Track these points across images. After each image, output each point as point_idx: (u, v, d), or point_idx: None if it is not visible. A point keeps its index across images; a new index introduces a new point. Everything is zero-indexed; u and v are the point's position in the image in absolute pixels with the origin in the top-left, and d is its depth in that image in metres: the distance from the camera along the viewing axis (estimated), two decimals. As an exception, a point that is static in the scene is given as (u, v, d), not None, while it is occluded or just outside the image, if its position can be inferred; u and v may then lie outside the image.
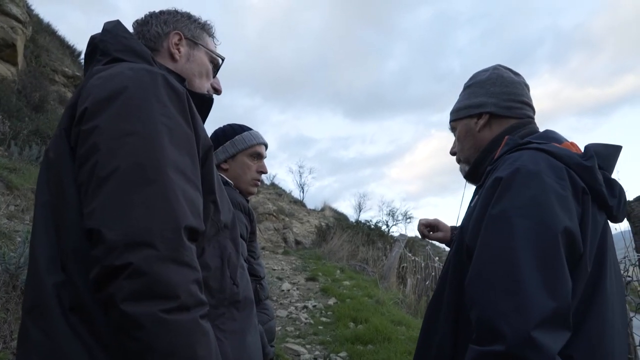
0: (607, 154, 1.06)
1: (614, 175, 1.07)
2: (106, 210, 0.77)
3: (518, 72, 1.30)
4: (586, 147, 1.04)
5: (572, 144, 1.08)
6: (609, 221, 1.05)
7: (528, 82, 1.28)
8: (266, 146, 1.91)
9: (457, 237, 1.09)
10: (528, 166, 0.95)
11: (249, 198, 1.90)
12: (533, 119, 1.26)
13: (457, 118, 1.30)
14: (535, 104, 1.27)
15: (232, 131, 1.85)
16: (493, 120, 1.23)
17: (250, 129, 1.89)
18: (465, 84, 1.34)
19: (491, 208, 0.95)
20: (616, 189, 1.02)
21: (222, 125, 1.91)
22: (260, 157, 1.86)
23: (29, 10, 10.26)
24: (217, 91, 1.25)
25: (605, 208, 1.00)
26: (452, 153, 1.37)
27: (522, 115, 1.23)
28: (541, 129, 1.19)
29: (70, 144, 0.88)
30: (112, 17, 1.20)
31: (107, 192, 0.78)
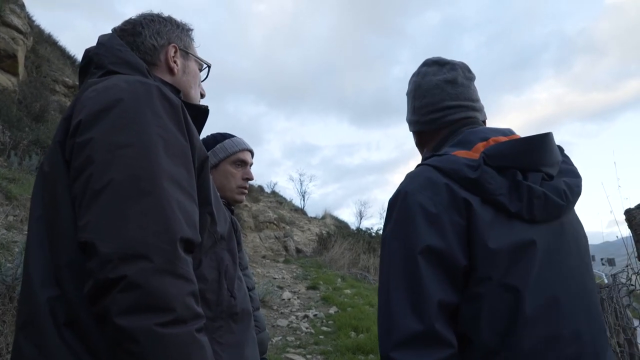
0: (515, 153, 0.94)
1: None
2: (100, 223, 0.76)
3: (446, 61, 1.19)
4: (481, 153, 0.95)
5: (494, 140, 1.00)
6: (563, 227, 0.95)
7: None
8: (252, 152, 1.89)
9: None
10: (405, 188, 0.98)
11: (234, 207, 1.88)
12: (470, 118, 1.15)
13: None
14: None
15: (213, 141, 1.84)
16: (425, 137, 1.21)
17: (233, 136, 1.87)
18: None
19: (382, 231, 1.02)
20: (523, 191, 0.91)
21: (205, 136, 1.89)
22: (244, 163, 1.84)
23: (30, 21, 10.33)
24: (202, 95, 1.26)
25: (514, 215, 0.91)
26: None
27: (449, 123, 1.15)
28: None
29: (64, 156, 0.87)
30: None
31: (102, 204, 0.77)
